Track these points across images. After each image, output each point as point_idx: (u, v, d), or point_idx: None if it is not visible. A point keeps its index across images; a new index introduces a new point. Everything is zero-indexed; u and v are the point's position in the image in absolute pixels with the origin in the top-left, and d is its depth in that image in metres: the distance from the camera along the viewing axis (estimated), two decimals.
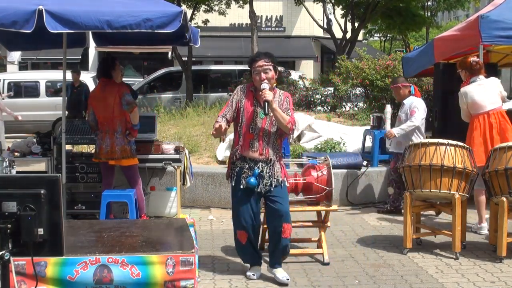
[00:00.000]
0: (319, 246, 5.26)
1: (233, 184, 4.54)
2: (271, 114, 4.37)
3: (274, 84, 4.53)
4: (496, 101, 5.90)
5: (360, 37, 24.19)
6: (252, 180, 4.39)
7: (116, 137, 5.89)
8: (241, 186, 4.46)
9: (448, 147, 5.29)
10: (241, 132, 4.47)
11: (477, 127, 5.87)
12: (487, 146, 5.79)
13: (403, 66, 8.53)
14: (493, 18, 6.14)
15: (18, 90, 14.56)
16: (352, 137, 8.43)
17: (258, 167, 4.43)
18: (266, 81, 4.36)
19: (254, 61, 4.44)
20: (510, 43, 6.42)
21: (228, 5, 19.47)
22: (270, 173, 4.45)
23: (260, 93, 4.37)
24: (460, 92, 5.97)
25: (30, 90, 14.57)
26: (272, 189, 4.47)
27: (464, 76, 6.04)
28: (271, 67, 4.40)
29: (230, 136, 8.15)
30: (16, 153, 6.57)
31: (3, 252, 2.52)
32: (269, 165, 4.45)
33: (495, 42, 6.44)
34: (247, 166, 4.45)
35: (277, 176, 4.47)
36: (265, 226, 5.28)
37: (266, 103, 4.28)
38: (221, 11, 19.57)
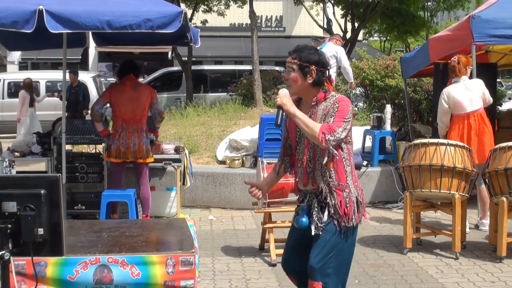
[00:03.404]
0: None
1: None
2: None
3: (323, 88, 3.27)
4: (477, 102, 5.89)
5: (360, 37, 24.20)
6: (304, 219, 3.26)
7: (143, 136, 5.99)
8: (294, 224, 3.36)
9: (448, 147, 5.29)
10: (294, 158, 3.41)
11: (455, 128, 5.88)
12: None
13: (401, 66, 8.52)
14: (484, 18, 6.13)
15: (18, 90, 14.55)
16: (352, 137, 8.42)
17: (306, 201, 3.31)
18: (287, 86, 3.28)
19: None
20: (502, 42, 6.41)
21: (227, 5, 19.48)
22: (318, 209, 3.25)
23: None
24: (442, 92, 5.97)
25: None
26: (319, 232, 3.23)
27: (450, 76, 6.06)
28: (294, 67, 3.21)
29: (231, 136, 8.17)
30: (16, 153, 6.57)
31: (3, 252, 2.52)
32: (319, 197, 3.24)
33: (488, 42, 6.41)
34: (299, 198, 3.41)
35: (327, 214, 3.20)
36: (265, 226, 5.28)
37: (279, 110, 3.19)
38: (220, 11, 19.58)
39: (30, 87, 12.07)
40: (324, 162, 3.19)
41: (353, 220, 3.20)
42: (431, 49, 7.08)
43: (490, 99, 6.03)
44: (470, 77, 6.01)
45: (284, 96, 3.17)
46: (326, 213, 3.20)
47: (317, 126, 3.10)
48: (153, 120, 6.23)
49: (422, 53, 7.51)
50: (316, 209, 3.23)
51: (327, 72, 3.27)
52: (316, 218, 3.22)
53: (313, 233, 3.20)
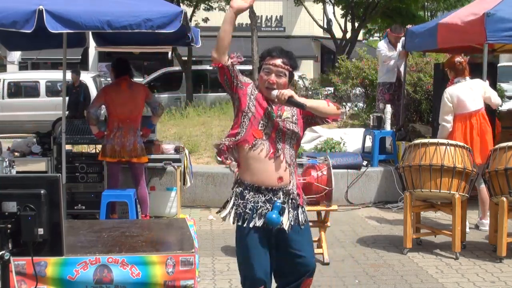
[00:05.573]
0: (319, 246, 5.26)
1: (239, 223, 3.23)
2: (305, 106, 3.22)
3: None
4: (479, 102, 5.89)
5: (360, 37, 24.20)
6: (275, 216, 3.14)
7: (137, 135, 6.01)
8: (255, 224, 3.17)
9: (448, 147, 5.29)
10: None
11: (458, 128, 5.87)
12: None
13: (406, 38, 8.26)
14: (499, 16, 5.98)
15: (18, 90, 14.57)
16: (352, 137, 8.43)
17: (281, 200, 3.22)
18: (270, 87, 3.26)
19: (270, 57, 3.27)
20: None
21: (228, 2, 19.46)
22: (291, 207, 3.24)
23: (274, 100, 3.23)
24: (445, 92, 5.95)
25: (30, 90, 14.56)
26: (290, 230, 3.21)
27: (450, 76, 6.04)
28: (286, 73, 3.27)
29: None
30: (16, 153, 6.57)
31: (3, 252, 2.52)
32: (290, 195, 3.26)
33: (501, 41, 6.37)
34: (263, 198, 3.22)
35: (297, 206, 3.26)
36: None
37: (292, 101, 3.19)
38: (221, 7, 19.56)
39: None
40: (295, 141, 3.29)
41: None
42: (440, 35, 6.85)
43: (496, 100, 5.99)
44: (472, 77, 6.00)
45: (288, 90, 3.20)
46: (299, 210, 3.26)
47: (324, 102, 3.30)
48: (153, 113, 6.26)
49: (430, 34, 7.19)
50: (290, 206, 3.22)
51: None
52: (292, 216, 3.22)
53: (287, 230, 3.18)
